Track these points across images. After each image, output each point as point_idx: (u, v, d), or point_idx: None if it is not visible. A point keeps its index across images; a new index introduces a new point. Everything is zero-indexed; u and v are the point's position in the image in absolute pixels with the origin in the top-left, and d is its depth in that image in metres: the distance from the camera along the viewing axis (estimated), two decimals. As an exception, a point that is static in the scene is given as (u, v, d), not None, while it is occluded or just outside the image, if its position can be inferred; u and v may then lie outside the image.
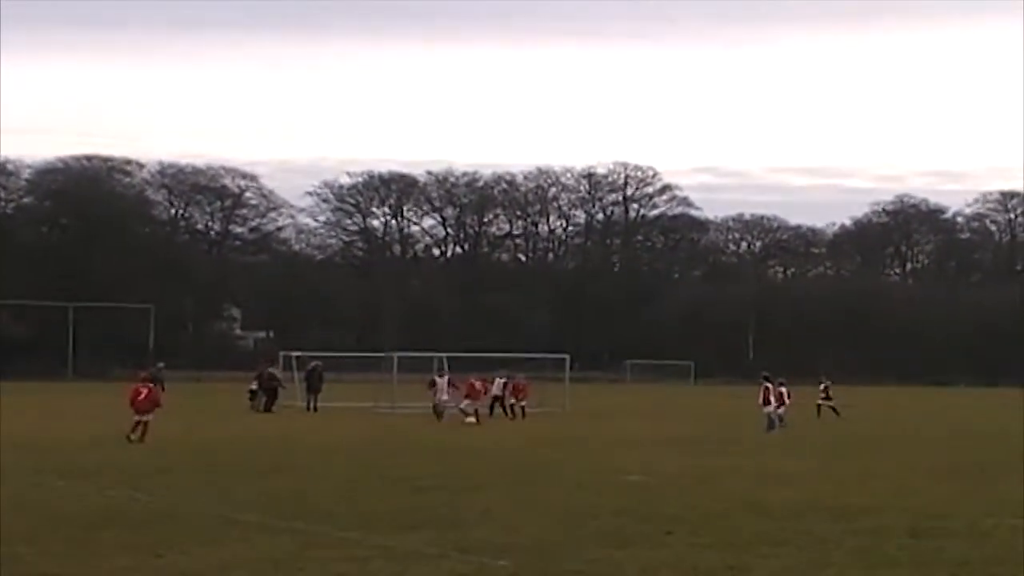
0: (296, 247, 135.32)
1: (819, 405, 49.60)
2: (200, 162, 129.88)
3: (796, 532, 15.81)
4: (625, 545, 14.64)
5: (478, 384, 43.39)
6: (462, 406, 42.22)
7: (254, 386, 51.31)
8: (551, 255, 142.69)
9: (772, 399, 41.02)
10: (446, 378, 45.47)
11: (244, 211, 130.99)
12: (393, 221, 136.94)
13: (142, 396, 32.66)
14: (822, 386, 51.57)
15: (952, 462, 27.87)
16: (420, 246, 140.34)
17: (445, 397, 44.26)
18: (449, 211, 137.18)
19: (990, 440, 36.56)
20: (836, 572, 12.85)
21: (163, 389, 49.89)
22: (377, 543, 14.61)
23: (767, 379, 42.06)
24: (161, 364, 51.70)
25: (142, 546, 14.23)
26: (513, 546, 14.41)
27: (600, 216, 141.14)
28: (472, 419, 41.10)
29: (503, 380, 46.56)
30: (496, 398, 45.97)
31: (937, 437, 38.06)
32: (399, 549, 14.20)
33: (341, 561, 13.28)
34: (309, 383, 51.92)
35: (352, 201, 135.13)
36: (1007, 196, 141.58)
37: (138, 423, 31.92)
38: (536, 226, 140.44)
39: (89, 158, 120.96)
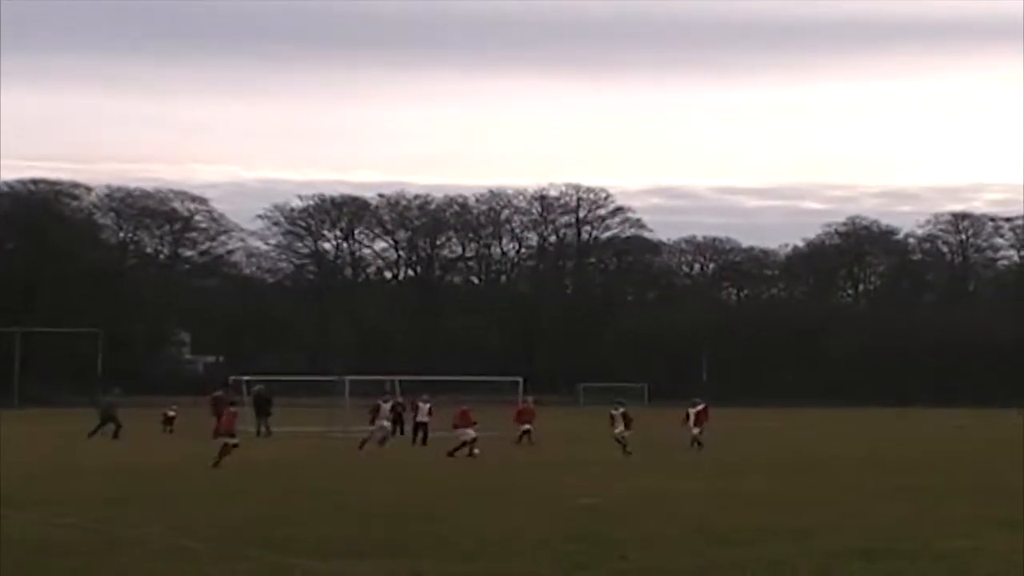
0: (247, 270, 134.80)
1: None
2: (149, 186, 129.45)
3: (751, 556, 15.76)
4: (580, 570, 14.55)
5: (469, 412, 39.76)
6: (467, 437, 38.48)
7: (172, 412, 51.95)
8: (504, 277, 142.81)
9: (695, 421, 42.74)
10: (390, 403, 44.44)
11: (194, 234, 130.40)
12: (345, 244, 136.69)
13: (225, 418, 33.31)
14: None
15: (904, 483, 27.95)
16: (372, 269, 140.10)
17: (385, 423, 43.26)
18: (401, 234, 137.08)
19: (942, 460, 36.74)
20: (792, 596, 12.80)
21: (167, 418, 50.46)
22: (331, 571, 14.47)
23: (699, 400, 44.18)
24: (117, 390, 51.20)
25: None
26: (468, 573, 14.28)
27: (553, 238, 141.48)
28: (476, 450, 37.89)
29: (428, 405, 45.32)
30: (420, 424, 44.36)
31: (888, 458, 38.21)
32: (352, 577, 14.05)
33: (293, 590, 13.11)
34: (257, 407, 51.63)
35: (303, 224, 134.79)
36: (959, 217, 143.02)
37: (226, 445, 32.19)
38: (489, 248, 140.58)
39: (36, 182, 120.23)
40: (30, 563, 15.07)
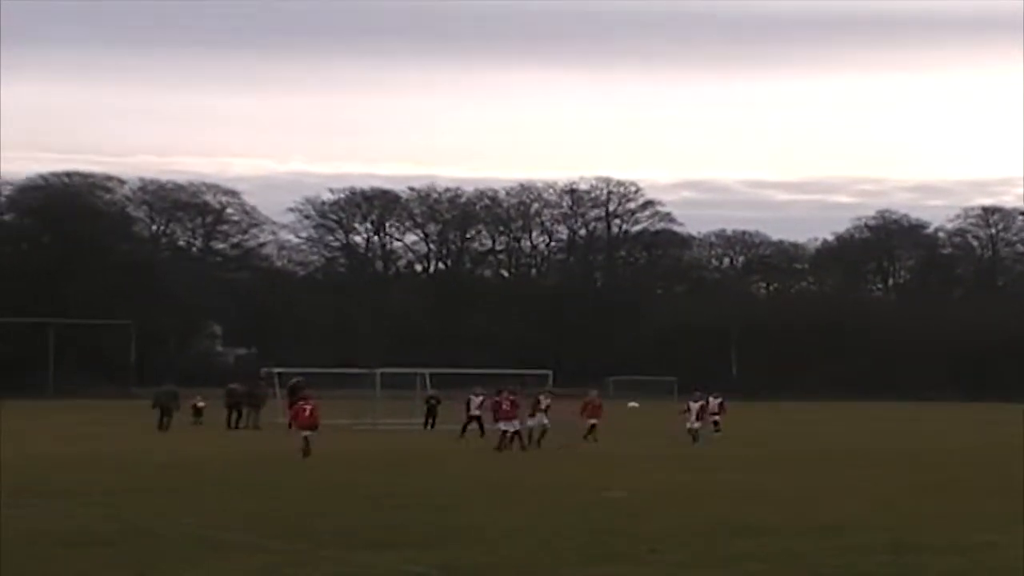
0: (278, 263, 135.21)
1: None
2: (182, 179, 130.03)
3: (777, 549, 15.78)
4: (608, 562, 14.59)
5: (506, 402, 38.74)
6: (525, 425, 38.47)
7: (201, 403, 52.10)
8: (534, 271, 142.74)
9: (698, 414, 43.07)
10: (481, 397, 43.62)
11: (226, 227, 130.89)
12: (375, 237, 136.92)
13: (307, 412, 33.26)
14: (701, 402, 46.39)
15: (931, 478, 27.89)
16: (402, 262, 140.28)
17: (478, 414, 43.19)
18: (431, 227, 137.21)
19: (969, 455, 36.62)
20: (817, 589, 12.82)
21: (196, 409, 50.67)
22: (358, 561, 14.55)
23: (700, 394, 44.15)
24: (170, 384, 51.49)
25: (123, 565, 14.14)
26: (495, 565, 14.35)
27: (583, 232, 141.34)
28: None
29: (480, 398, 44.78)
30: (472, 417, 44.10)
31: (915, 452, 38.09)
32: (380, 567, 14.13)
33: (321, 580, 13.21)
34: (291, 399, 51.80)
35: (334, 217, 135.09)
36: (988, 211, 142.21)
37: (306, 439, 32.45)
38: (519, 242, 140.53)
39: (70, 175, 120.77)
40: (59, 552, 15.22)
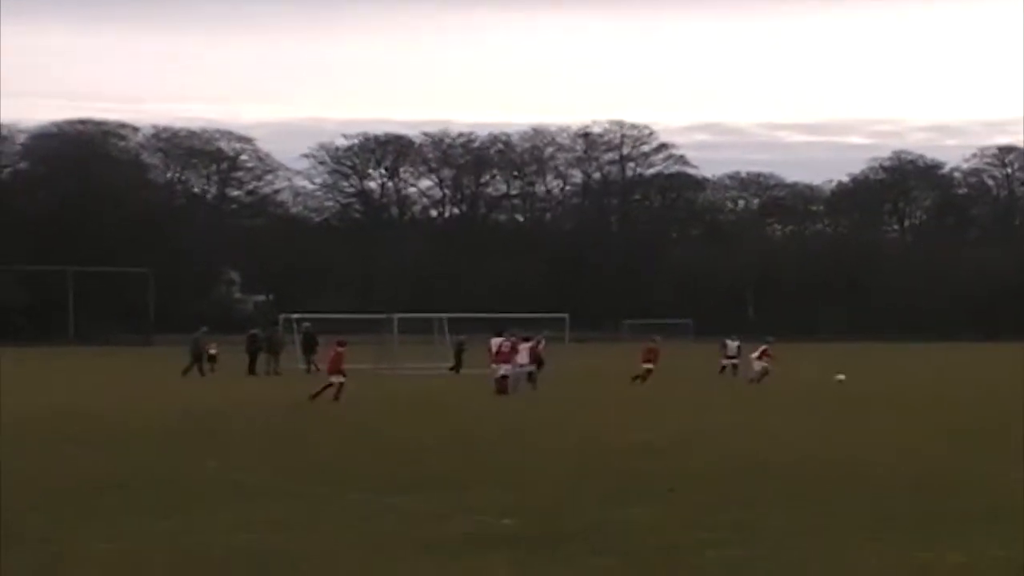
0: (293, 210, 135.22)
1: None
2: (195, 125, 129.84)
3: (799, 490, 15.86)
4: (629, 504, 14.68)
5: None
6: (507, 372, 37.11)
7: (213, 350, 51.58)
8: (548, 215, 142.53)
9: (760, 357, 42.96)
10: (501, 339, 39.05)
11: (240, 174, 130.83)
12: (390, 183, 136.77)
13: (334, 357, 33.56)
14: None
15: (952, 419, 27.94)
16: (417, 208, 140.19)
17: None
18: (446, 172, 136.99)
19: (990, 396, 36.63)
20: (840, 528, 12.89)
21: (209, 356, 50.44)
22: (381, 504, 14.66)
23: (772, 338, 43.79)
24: (204, 328, 51.47)
25: (149, 509, 14.27)
26: (518, 506, 14.44)
27: (597, 176, 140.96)
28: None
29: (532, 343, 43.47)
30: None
31: (936, 394, 38.13)
32: (404, 509, 14.24)
33: (346, 522, 13.32)
34: (304, 345, 51.98)
35: (348, 163, 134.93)
36: (1004, 151, 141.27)
37: (329, 385, 32.70)
38: (533, 186, 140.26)
39: (83, 122, 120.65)
40: (82, 496, 15.36)
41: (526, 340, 40.15)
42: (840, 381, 40.38)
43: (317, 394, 32.48)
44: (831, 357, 45.61)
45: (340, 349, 34.11)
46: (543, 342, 42.85)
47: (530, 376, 39.04)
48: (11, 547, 11.82)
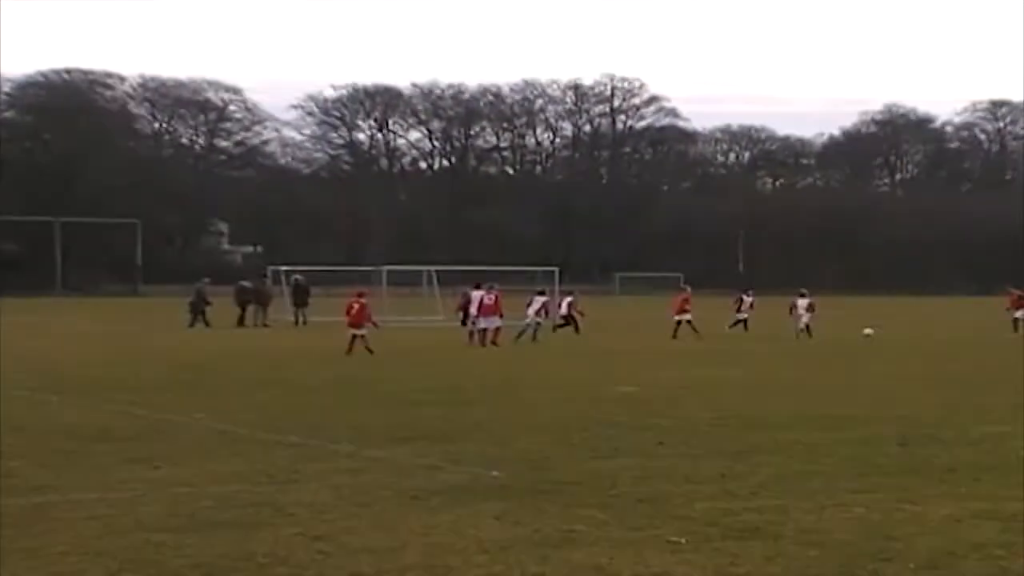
0: (282, 161, 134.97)
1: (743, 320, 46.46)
2: (182, 75, 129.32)
3: (787, 441, 15.93)
4: (617, 455, 14.74)
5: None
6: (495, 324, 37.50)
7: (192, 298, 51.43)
8: (539, 168, 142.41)
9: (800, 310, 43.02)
10: (481, 292, 39.89)
11: (228, 124, 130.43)
12: (379, 134, 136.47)
13: (355, 310, 33.21)
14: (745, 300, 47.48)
15: (941, 371, 28.07)
16: (407, 159, 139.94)
17: (474, 312, 41.75)
18: (435, 124, 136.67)
19: (979, 349, 36.80)
20: (826, 479, 12.95)
21: (208, 304, 50.35)
22: (370, 455, 14.70)
23: (802, 294, 43.78)
24: (206, 279, 51.47)
25: (138, 459, 14.30)
26: (506, 458, 14.50)
27: (587, 128, 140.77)
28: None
29: (569, 299, 44.62)
30: (565, 316, 43.59)
31: (926, 347, 38.28)
32: (392, 461, 14.28)
33: (335, 473, 13.36)
34: (294, 297, 51.98)
35: (337, 114, 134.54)
36: (996, 104, 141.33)
37: (354, 337, 32.47)
38: (523, 138, 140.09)
39: (69, 71, 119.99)
40: (73, 447, 15.41)
41: (541, 294, 41.58)
42: (868, 336, 40.45)
43: (349, 349, 32.31)
44: (825, 311, 45.57)
45: (362, 300, 33.97)
46: (575, 299, 44.44)
47: (536, 328, 39.65)
48: (1, 495, 11.84)
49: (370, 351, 32.08)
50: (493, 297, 37.84)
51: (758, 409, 19.74)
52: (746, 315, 46.21)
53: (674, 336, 40.87)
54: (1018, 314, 46.25)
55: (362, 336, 32.84)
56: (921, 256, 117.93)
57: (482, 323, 37.44)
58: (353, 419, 18.44)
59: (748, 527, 10.49)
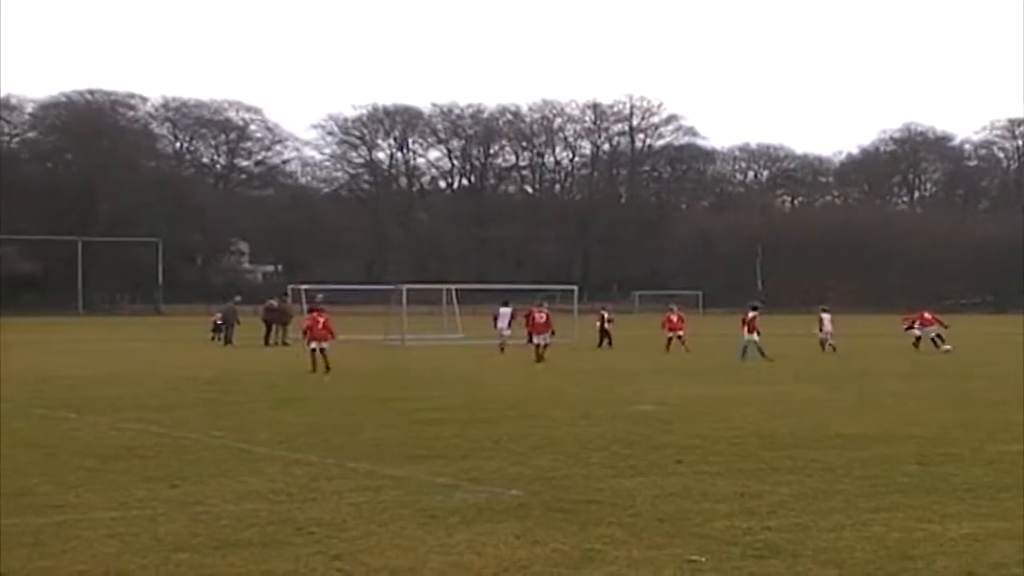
0: (302, 180, 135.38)
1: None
2: (204, 95, 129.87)
3: (805, 460, 15.89)
4: (635, 474, 14.72)
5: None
6: (545, 340, 38.63)
7: (220, 319, 52.02)
8: (558, 186, 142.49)
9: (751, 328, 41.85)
10: (509, 309, 44.28)
11: (249, 144, 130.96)
12: (399, 153, 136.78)
13: (319, 324, 33.38)
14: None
15: (957, 390, 27.96)
16: (426, 178, 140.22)
17: (506, 329, 43.65)
18: (455, 143, 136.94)
19: (995, 367, 36.64)
20: (845, 499, 12.92)
21: (238, 323, 50.73)
22: (388, 474, 14.71)
23: (754, 308, 42.75)
24: (238, 298, 51.86)
25: (157, 477, 14.34)
26: (524, 476, 14.49)
27: (606, 147, 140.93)
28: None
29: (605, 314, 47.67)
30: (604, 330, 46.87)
31: (940, 364, 38.13)
32: (411, 480, 14.29)
33: (354, 491, 13.37)
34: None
35: (357, 133, 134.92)
36: (1015, 123, 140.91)
37: (315, 351, 32.72)
38: (542, 157, 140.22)
39: (92, 92, 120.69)
40: (92, 465, 15.45)
41: (505, 305, 44.54)
42: (948, 352, 41.58)
43: (314, 366, 32.50)
44: (842, 328, 45.64)
45: (321, 317, 34.10)
46: (608, 316, 47.93)
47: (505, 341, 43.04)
48: (20, 513, 11.89)
49: (327, 368, 32.08)
50: (544, 315, 39.30)
51: (774, 428, 19.70)
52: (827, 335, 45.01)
53: (667, 348, 43.65)
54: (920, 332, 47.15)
55: (322, 351, 32.83)
56: (939, 274, 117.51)
57: (536, 339, 38.92)
58: (371, 437, 18.46)
59: (767, 546, 10.47)
